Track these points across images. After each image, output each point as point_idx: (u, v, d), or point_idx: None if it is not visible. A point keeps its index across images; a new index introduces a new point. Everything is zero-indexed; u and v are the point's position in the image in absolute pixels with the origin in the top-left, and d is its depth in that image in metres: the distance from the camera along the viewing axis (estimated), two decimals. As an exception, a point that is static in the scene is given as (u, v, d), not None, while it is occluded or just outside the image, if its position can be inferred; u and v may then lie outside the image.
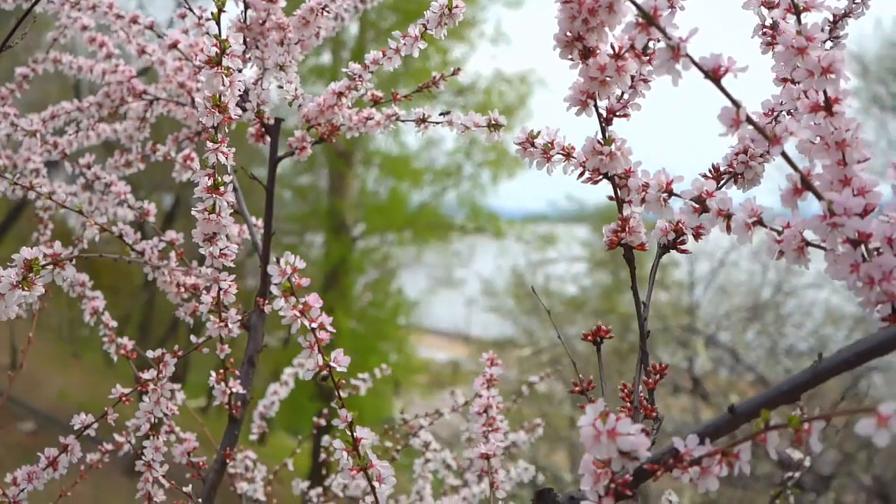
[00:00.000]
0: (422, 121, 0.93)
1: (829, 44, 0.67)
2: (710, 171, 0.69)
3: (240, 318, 0.90)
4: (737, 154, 0.68)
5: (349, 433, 0.64)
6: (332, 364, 0.63)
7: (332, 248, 10.57)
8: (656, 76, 0.53)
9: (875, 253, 0.51)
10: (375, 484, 0.64)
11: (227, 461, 0.98)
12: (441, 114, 0.89)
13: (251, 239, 1.07)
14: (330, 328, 0.62)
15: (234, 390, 0.96)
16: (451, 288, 11.84)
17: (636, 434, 0.49)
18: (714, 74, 0.50)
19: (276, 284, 0.60)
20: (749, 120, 0.50)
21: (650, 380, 0.61)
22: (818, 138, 0.54)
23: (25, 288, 0.67)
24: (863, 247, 0.52)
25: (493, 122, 0.82)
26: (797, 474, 1.09)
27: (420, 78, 0.84)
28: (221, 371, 0.95)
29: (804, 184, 0.51)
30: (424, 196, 11.63)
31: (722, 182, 0.69)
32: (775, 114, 0.69)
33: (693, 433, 0.52)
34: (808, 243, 0.54)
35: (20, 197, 1.29)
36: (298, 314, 0.61)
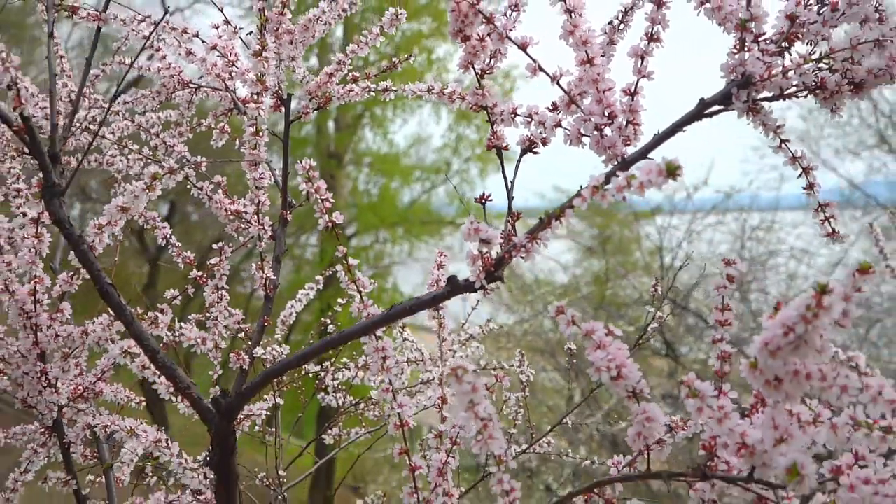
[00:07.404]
0: (386, 90, 1.42)
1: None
2: (552, 104, 1.17)
3: (272, 223, 1.39)
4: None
5: (345, 262, 1.12)
6: (334, 220, 1.10)
7: (327, 248, 11.03)
8: (497, 48, 1.01)
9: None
10: (361, 288, 1.11)
11: (265, 325, 1.46)
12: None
13: (274, 180, 1.55)
14: (331, 199, 1.10)
15: (268, 276, 1.44)
16: (445, 282, 12.19)
17: (490, 230, 0.97)
18: (522, 46, 0.98)
19: (299, 174, 1.08)
20: (541, 68, 0.98)
21: (513, 220, 1.09)
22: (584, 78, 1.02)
23: (150, 190, 1.15)
24: (607, 130, 1.00)
25: (430, 88, 1.30)
26: (655, 325, 1.57)
27: (405, 75, 1.32)
28: (259, 262, 1.43)
29: (571, 101, 0.99)
30: (415, 193, 12.12)
31: (560, 113, 1.16)
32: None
33: (524, 234, 1.00)
34: (583, 134, 1.02)
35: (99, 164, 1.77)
36: (313, 191, 1.09)
